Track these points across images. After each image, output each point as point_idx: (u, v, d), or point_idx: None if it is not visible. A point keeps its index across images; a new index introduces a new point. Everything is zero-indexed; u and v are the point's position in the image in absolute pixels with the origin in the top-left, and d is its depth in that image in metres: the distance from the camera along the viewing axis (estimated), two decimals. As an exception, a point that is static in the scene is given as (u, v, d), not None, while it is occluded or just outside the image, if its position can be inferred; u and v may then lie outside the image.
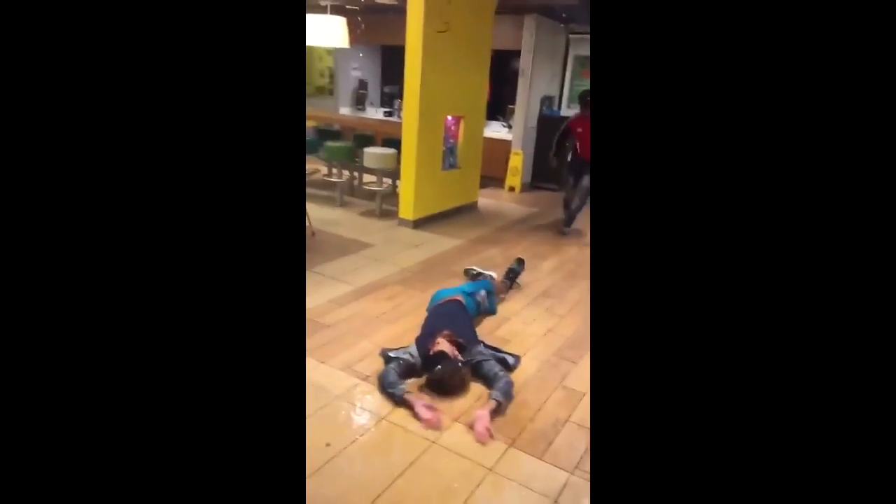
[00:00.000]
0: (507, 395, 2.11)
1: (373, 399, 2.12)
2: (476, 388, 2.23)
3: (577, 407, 2.18)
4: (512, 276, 3.35)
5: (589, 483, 1.74)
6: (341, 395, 2.12)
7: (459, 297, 2.72)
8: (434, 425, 1.94)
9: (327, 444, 1.82)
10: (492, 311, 2.97)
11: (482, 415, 1.96)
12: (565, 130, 4.57)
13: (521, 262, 3.46)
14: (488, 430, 1.92)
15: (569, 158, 4.70)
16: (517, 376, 2.35)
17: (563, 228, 4.75)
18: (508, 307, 3.11)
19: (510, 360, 2.39)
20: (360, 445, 1.85)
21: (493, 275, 3.37)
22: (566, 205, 4.74)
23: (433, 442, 1.89)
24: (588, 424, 2.06)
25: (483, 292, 2.92)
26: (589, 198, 4.61)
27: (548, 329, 2.86)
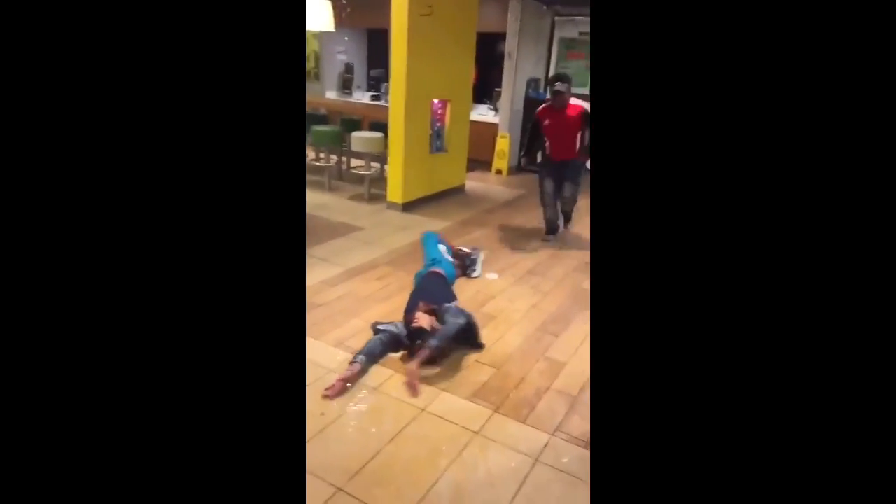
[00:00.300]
0: (443, 338, 2.22)
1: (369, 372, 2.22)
2: (463, 358, 2.34)
3: (559, 376, 2.30)
4: (469, 259, 3.41)
5: (567, 443, 1.87)
6: (335, 368, 2.22)
7: (438, 270, 2.85)
8: (327, 394, 2.03)
9: (322, 414, 1.93)
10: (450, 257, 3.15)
11: (411, 370, 2.13)
12: (535, 123, 3.85)
13: (474, 249, 3.53)
14: (414, 384, 2.08)
15: (538, 160, 4.00)
16: (503, 349, 2.47)
17: (545, 236, 4.10)
18: (496, 285, 3.22)
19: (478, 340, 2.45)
20: (353, 414, 1.96)
21: (469, 250, 3.49)
22: (546, 215, 4.06)
23: (423, 409, 2.00)
24: (568, 391, 2.19)
25: (441, 247, 3.12)
26: (575, 203, 4.03)
27: (532, 305, 2.98)
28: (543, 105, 3.80)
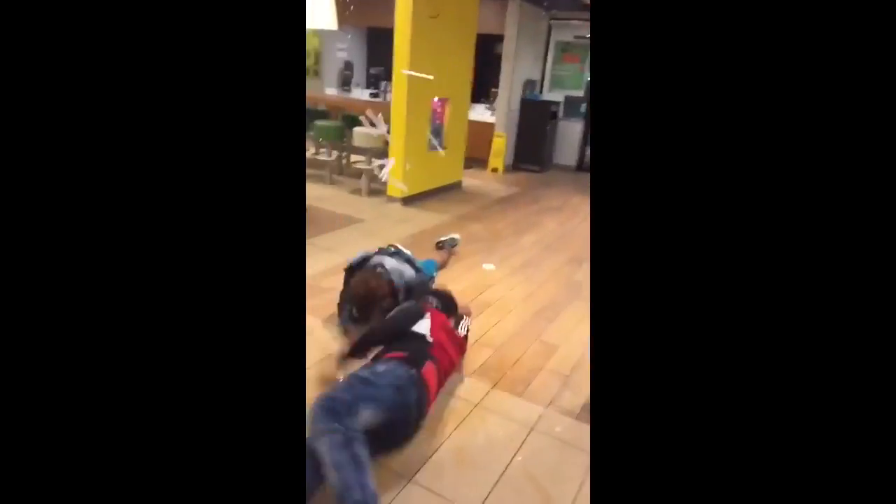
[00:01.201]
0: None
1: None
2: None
3: (552, 357, 2.46)
4: (447, 245, 3.63)
5: (560, 415, 2.03)
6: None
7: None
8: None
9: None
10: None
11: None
12: None
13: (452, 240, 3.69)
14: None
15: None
16: (501, 333, 2.63)
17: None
18: (492, 275, 3.39)
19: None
20: (363, 387, 2.10)
21: (456, 236, 3.72)
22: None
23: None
24: (561, 371, 2.35)
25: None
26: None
27: (527, 294, 3.14)
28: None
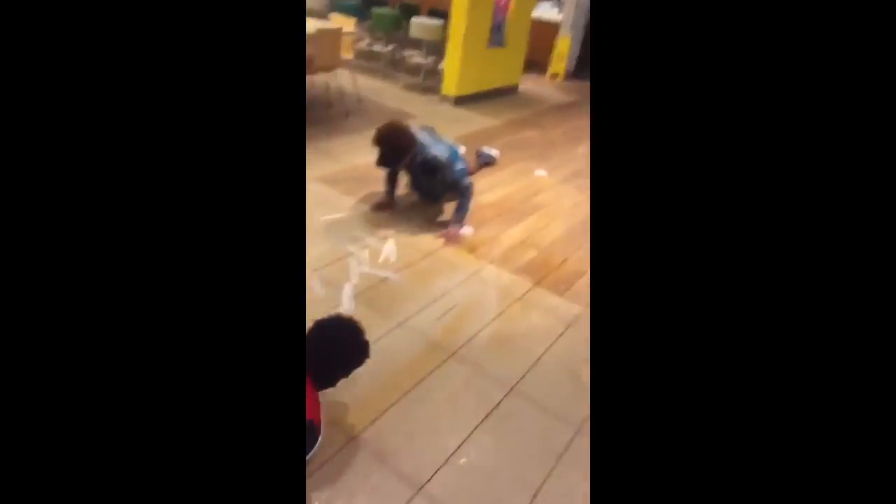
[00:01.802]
0: (460, 221, 2.56)
1: (424, 238, 2.47)
2: (509, 239, 2.55)
3: (597, 263, 2.50)
4: (486, 161, 3.52)
5: (599, 316, 2.11)
6: (389, 233, 2.47)
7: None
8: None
9: (386, 278, 2.20)
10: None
11: (453, 231, 2.52)
12: None
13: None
14: (457, 236, 2.50)
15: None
16: (548, 235, 2.67)
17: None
18: (543, 181, 3.35)
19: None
20: (416, 270, 2.23)
21: (495, 153, 3.55)
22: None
23: (473, 274, 2.26)
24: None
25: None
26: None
27: (576, 202, 3.12)
28: None
